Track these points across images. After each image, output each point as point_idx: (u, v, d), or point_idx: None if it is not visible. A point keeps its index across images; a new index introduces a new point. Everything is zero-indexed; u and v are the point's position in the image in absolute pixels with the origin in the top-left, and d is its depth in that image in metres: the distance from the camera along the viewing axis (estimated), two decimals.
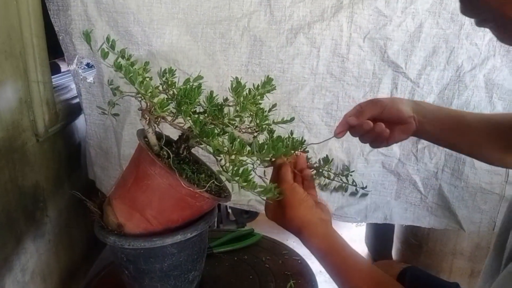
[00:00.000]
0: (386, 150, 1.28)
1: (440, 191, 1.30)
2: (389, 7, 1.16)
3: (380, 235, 1.97)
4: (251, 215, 1.75)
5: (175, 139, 0.79)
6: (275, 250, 1.14)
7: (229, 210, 1.80)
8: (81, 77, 1.30)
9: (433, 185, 1.30)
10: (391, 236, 1.81)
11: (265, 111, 0.77)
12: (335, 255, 0.68)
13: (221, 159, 0.67)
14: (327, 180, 0.81)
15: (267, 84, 0.73)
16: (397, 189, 1.33)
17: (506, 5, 0.50)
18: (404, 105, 0.84)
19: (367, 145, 1.28)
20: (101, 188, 1.42)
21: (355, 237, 2.29)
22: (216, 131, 0.68)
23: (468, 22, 1.16)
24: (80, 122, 1.46)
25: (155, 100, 0.67)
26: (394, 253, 1.82)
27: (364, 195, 0.77)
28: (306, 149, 0.80)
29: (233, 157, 0.65)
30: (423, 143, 1.27)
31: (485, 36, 1.17)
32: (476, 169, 1.25)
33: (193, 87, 0.68)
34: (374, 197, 1.33)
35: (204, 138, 0.66)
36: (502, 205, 1.28)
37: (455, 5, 1.15)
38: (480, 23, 0.56)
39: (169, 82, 0.71)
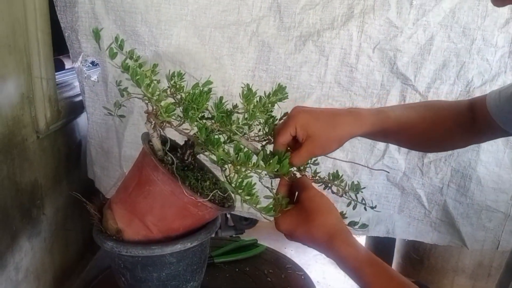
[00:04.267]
0: (391, 163, 1.26)
1: (444, 207, 1.28)
2: (401, 18, 1.15)
3: (380, 248, 1.94)
4: (251, 222, 1.72)
5: (181, 143, 0.77)
6: (279, 263, 1.10)
7: (228, 216, 1.78)
8: (85, 75, 1.28)
9: (438, 201, 1.28)
10: (392, 250, 1.79)
11: (276, 119, 0.74)
12: (375, 265, 0.63)
13: (225, 169, 0.65)
14: None
15: (279, 92, 0.71)
16: (401, 203, 1.31)
17: None
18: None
19: (372, 156, 1.28)
20: (99, 188, 1.41)
21: None
22: (222, 140, 0.66)
23: (480, 37, 1.15)
24: (82, 120, 1.45)
25: (162, 103, 0.65)
26: (394, 267, 1.80)
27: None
28: (316, 161, 0.78)
29: (238, 167, 0.63)
30: (429, 157, 1.25)
31: (497, 52, 1.15)
32: (482, 186, 1.23)
33: (202, 92, 0.66)
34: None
35: (209, 146, 0.64)
36: (507, 223, 1.26)
37: (467, 19, 1.13)
38: None
39: (177, 86, 0.69)
